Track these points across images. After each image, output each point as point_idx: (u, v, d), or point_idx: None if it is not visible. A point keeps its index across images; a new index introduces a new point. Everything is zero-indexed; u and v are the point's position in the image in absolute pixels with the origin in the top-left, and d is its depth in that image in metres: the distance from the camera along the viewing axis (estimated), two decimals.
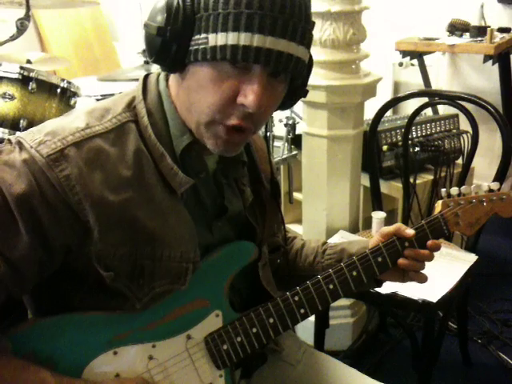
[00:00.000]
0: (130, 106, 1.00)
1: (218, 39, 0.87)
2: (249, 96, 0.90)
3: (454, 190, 1.18)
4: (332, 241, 2.11)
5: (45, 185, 0.89)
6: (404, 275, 1.17)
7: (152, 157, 0.97)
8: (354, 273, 1.11)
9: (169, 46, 0.91)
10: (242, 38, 0.87)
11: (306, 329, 2.25)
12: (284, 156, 2.63)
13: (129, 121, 0.98)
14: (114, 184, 0.93)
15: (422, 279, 1.15)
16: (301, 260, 1.31)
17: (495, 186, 1.20)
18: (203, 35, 0.89)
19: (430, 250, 1.14)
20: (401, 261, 1.13)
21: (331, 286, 1.09)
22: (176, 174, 0.98)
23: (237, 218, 1.12)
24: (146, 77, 1.04)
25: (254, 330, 1.05)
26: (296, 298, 1.07)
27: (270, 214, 1.18)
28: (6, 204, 0.88)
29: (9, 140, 0.95)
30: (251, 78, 0.90)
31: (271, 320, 1.06)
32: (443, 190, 1.19)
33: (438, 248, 1.14)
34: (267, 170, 1.19)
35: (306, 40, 0.93)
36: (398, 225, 1.15)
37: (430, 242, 1.14)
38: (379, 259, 1.12)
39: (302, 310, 1.08)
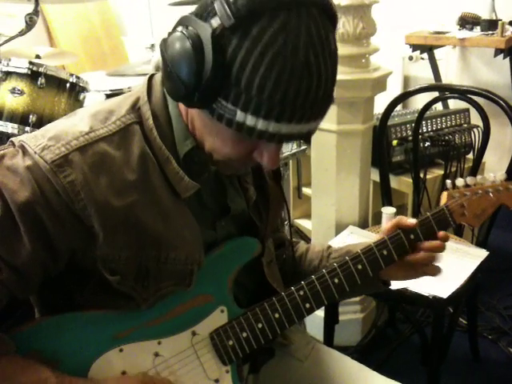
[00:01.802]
0: (135, 108, 0.97)
1: (247, 119, 0.84)
2: (266, 159, 0.93)
3: (460, 182, 1.17)
4: (341, 236, 2.13)
5: (49, 192, 0.88)
6: (417, 271, 1.15)
7: (157, 160, 0.95)
8: (359, 266, 1.10)
9: (193, 98, 0.85)
10: (271, 127, 0.84)
11: (315, 324, 2.25)
12: (293, 151, 2.61)
13: (133, 122, 0.96)
14: (119, 188, 0.92)
15: (437, 271, 1.14)
16: (305, 264, 1.30)
17: (501, 176, 1.19)
18: (231, 106, 0.84)
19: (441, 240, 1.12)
20: (412, 257, 1.12)
21: (336, 280, 1.08)
22: (182, 178, 0.97)
23: (240, 216, 1.11)
24: (151, 77, 1.01)
25: (260, 325, 1.04)
26: (301, 293, 1.07)
27: (273, 209, 1.17)
28: (8, 211, 0.87)
29: (11, 142, 0.93)
30: (269, 144, 0.91)
31: (277, 315, 1.05)
32: (448, 181, 1.18)
33: (446, 239, 1.13)
34: None
35: (328, 110, 0.91)
36: (400, 216, 1.15)
37: (441, 233, 1.12)
38: (384, 252, 1.12)
39: (308, 305, 1.07)
